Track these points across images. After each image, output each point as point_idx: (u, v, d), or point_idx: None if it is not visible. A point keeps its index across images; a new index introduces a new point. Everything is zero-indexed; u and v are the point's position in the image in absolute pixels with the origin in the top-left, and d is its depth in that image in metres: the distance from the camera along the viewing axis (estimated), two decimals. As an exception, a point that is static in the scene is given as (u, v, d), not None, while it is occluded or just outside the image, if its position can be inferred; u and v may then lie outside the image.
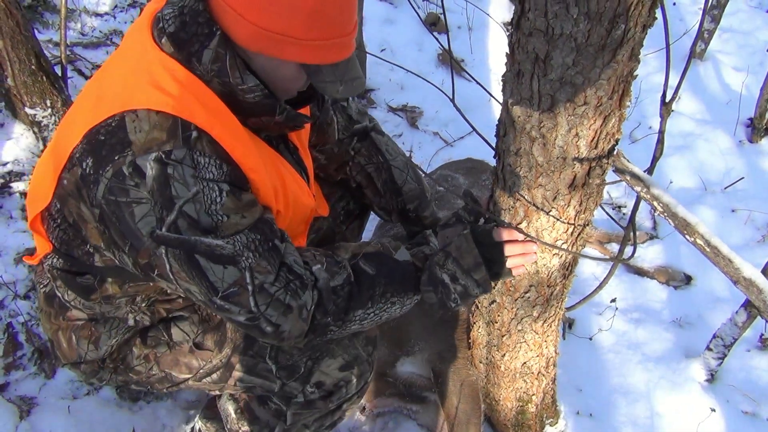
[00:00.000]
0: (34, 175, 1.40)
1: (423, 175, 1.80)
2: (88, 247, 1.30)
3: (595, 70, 1.07)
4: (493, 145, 1.45)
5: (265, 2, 1.14)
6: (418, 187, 1.84)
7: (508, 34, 3.94)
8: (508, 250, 1.42)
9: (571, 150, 1.20)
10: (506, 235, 1.43)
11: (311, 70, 1.26)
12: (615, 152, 1.23)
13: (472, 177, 2.57)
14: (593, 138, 1.19)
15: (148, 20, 1.27)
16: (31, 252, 2.25)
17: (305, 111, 1.60)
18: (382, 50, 3.75)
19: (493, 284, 1.44)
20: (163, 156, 1.13)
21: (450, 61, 3.02)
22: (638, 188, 1.18)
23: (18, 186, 2.54)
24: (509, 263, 1.43)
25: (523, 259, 1.43)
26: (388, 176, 1.81)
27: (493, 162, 2.66)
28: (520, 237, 1.42)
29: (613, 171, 1.23)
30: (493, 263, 1.41)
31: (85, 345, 1.46)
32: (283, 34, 1.16)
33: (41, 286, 1.48)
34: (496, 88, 3.63)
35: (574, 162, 1.22)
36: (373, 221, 2.29)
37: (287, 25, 1.15)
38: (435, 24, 3.98)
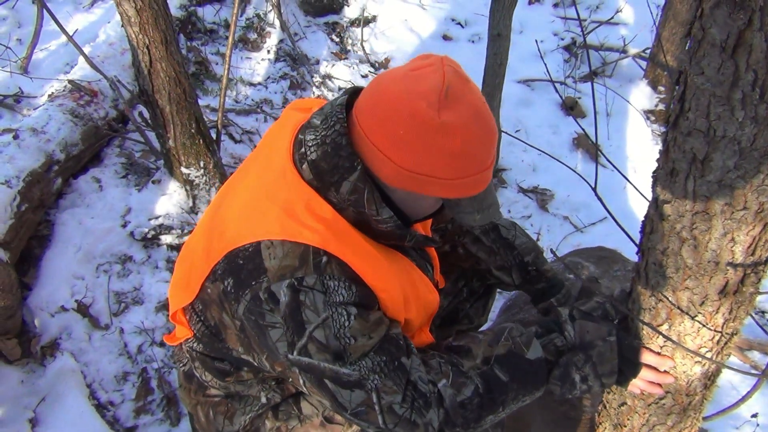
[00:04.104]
0: (179, 264, 1.49)
1: (553, 258, 1.77)
2: (227, 344, 1.38)
3: (758, 176, 1.02)
4: (634, 238, 1.40)
5: (414, 147, 1.17)
6: (529, 240, 1.82)
7: (660, 126, 3.86)
8: (644, 374, 1.38)
9: (725, 255, 1.14)
10: (651, 359, 1.37)
11: (451, 203, 1.30)
12: (774, 261, 1.15)
13: (603, 266, 2.48)
14: (750, 244, 1.12)
15: (291, 135, 1.33)
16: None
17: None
18: (517, 131, 3.77)
19: None
20: (296, 283, 1.19)
21: (595, 152, 2.99)
22: (799, 302, 1.10)
23: (166, 239, 2.73)
24: (634, 384, 1.40)
25: (647, 387, 1.39)
26: (496, 235, 1.80)
27: (625, 252, 2.58)
28: (668, 366, 1.36)
29: (771, 281, 1.15)
30: (624, 377, 1.39)
31: (221, 420, 1.53)
32: (427, 175, 1.19)
33: (180, 364, 1.59)
34: (632, 176, 3.54)
35: (728, 267, 1.16)
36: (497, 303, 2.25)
37: (432, 167, 1.19)
38: (573, 108, 3.96)
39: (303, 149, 1.27)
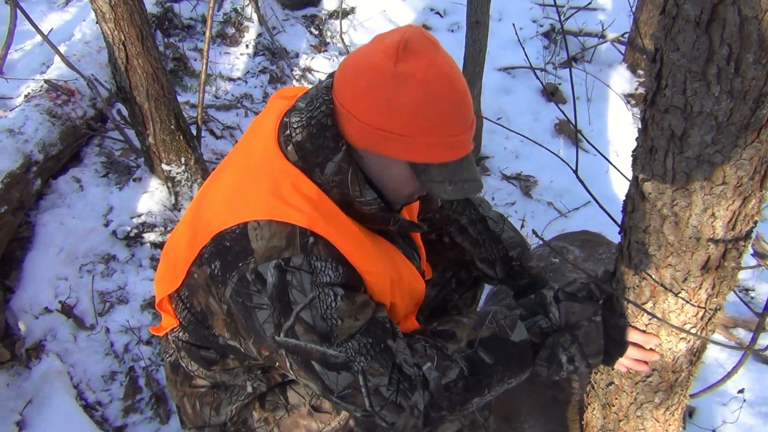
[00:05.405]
0: (164, 255, 1.49)
1: (541, 242, 1.77)
2: (214, 331, 1.37)
3: (736, 150, 1.03)
4: (617, 220, 1.41)
5: (370, 97, 1.18)
6: (517, 235, 1.82)
7: (640, 109, 3.88)
8: (630, 352, 1.39)
9: (706, 230, 1.15)
10: (637, 338, 1.38)
11: (419, 169, 1.27)
12: (755, 235, 1.16)
13: (588, 250, 2.49)
14: (731, 219, 1.13)
15: (275, 121, 1.33)
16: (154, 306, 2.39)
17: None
18: (498, 118, 3.77)
19: None
20: (283, 263, 1.19)
21: (575, 134, 3.00)
22: (780, 275, 1.11)
23: (149, 237, 2.71)
24: (620, 363, 1.41)
25: (634, 365, 1.41)
26: (483, 226, 1.80)
27: (609, 235, 2.59)
28: (654, 343, 1.37)
29: (752, 255, 1.16)
30: (611, 356, 1.40)
31: (207, 411, 1.53)
32: (387, 130, 1.19)
33: (167, 355, 1.58)
34: (615, 160, 3.56)
35: (709, 243, 1.16)
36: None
37: (390, 120, 1.18)
38: (554, 94, 3.97)
39: (288, 131, 1.28)
